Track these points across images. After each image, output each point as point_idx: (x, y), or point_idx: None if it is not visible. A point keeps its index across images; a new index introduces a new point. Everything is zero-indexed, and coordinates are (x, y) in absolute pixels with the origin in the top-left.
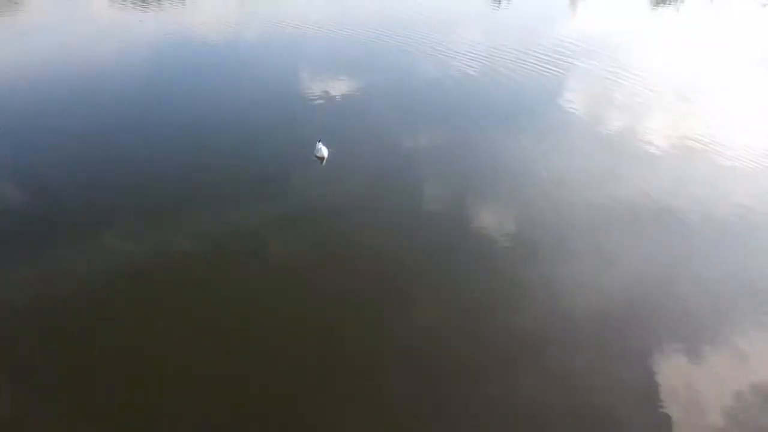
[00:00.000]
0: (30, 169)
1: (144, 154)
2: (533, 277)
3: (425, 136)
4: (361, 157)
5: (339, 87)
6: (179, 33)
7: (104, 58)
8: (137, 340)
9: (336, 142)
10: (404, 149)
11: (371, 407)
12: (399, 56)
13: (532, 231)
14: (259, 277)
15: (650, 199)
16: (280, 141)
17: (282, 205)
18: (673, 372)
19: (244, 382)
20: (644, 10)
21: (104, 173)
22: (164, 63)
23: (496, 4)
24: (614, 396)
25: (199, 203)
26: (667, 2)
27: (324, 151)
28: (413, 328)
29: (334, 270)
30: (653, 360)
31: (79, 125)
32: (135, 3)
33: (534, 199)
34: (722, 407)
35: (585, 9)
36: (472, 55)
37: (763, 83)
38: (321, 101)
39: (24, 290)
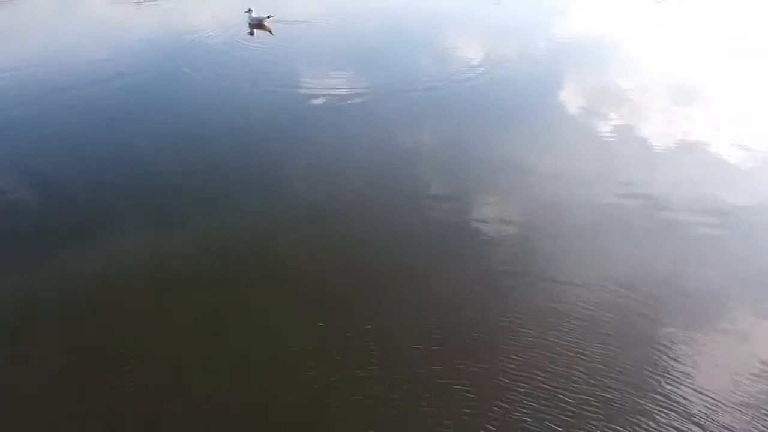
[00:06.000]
0: (26, 167)
1: (145, 151)
2: (534, 272)
3: (420, 133)
4: (358, 153)
5: (340, 84)
6: (182, 28)
7: (104, 54)
8: (136, 341)
9: (335, 139)
10: (398, 147)
11: (376, 403)
12: (394, 52)
13: (531, 228)
14: (258, 276)
15: (649, 196)
16: (282, 140)
17: (284, 205)
18: (677, 360)
19: (247, 384)
20: (645, 3)
21: (105, 171)
22: (168, 59)
23: (494, 2)
24: (619, 383)
25: (199, 202)
26: None
27: (258, 16)
28: (411, 328)
29: (335, 267)
30: (656, 349)
31: (79, 122)
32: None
33: (532, 197)
34: (723, 391)
35: (583, 5)
36: (467, 51)
37: (763, 79)
38: (320, 98)
39: (23, 289)
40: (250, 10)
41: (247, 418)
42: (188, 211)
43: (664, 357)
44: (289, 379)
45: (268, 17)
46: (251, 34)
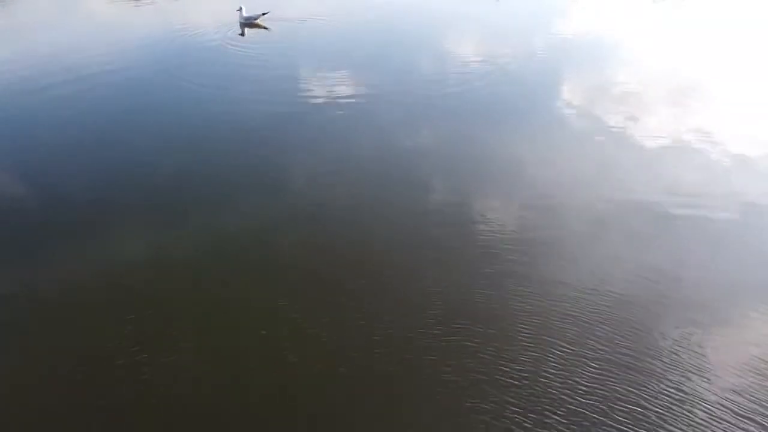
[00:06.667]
0: (27, 168)
1: (145, 152)
2: (540, 271)
3: (420, 134)
4: (358, 153)
5: (338, 84)
6: (181, 27)
7: (104, 54)
8: (135, 339)
9: (335, 139)
10: (399, 147)
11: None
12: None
13: (533, 228)
14: (258, 275)
15: (650, 196)
16: (283, 141)
17: (284, 205)
18: (683, 353)
19: (248, 381)
20: (645, 3)
21: (108, 171)
22: (165, 59)
23: (494, 1)
24: (628, 376)
25: (198, 203)
26: None
27: (249, 15)
28: (410, 324)
29: (336, 267)
30: (660, 343)
31: (81, 122)
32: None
33: (534, 195)
34: (727, 380)
35: (583, 5)
36: (467, 51)
37: (763, 77)
38: (321, 100)
39: (24, 286)
40: (240, 9)
41: (247, 416)
42: (188, 212)
43: (666, 344)
44: (291, 377)
45: (264, 14)
46: (242, 34)
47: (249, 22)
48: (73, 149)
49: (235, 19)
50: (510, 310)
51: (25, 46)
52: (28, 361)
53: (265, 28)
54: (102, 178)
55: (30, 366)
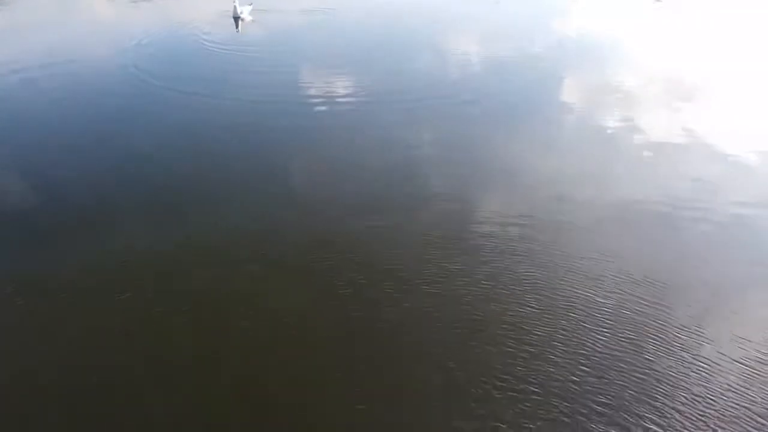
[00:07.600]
0: (30, 168)
1: (144, 150)
2: (546, 270)
3: (418, 135)
4: (357, 155)
5: (337, 85)
6: (180, 26)
7: (101, 53)
8: (135, 340)
9: (335, 140)
10: (398, 148)
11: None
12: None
13: (534, 229)
14: (258, 278)
15: (650, 195)
16: (283, 141)
17: (284, 205)
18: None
19: (246, 376)
20: (645, 3)
21: (106, 170)
22: (167, 56)
23: (494, 1)
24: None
25: (196, 204)
26: None
27: (242, 11)
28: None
29: (335, 268)
30: (663, 344)
31: (80, 121)
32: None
33: (536, 195)
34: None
35: (583, 5)
36: (466, 51)
37: (763, 78)
38: (319, 99)
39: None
40: (235, 4)
41: (249, 417)
42: (187, 211)
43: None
44: (292, 375)
45: (250, 4)
46: (237, 28)
47: (240, 17)
48: (72, 148)
49: (231, 15)
50: (510, 302)
51: (23, 45)
52: (27, 360)
53: (252, 21)
54: (101, 177)
55: (29, 365)
